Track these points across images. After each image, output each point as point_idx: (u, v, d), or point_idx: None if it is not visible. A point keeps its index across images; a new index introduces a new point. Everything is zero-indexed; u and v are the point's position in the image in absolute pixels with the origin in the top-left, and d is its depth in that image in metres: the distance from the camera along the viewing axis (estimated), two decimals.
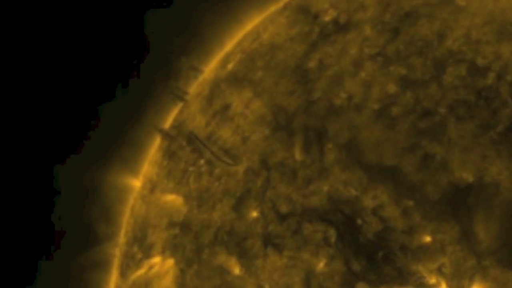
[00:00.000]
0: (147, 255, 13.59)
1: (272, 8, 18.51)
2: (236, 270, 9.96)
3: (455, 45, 10.58)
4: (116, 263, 17.21)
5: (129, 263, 15.23)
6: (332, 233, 9.05)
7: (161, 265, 12.46)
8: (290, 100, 11.88)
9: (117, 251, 17.64)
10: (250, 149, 11.59)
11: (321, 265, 8.97)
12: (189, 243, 11.60)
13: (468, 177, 8.49)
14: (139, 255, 14.42)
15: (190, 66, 19.65)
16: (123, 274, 15.71)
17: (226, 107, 14.15)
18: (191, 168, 13.38)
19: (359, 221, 8.88)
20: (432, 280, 8.10)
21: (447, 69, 10.11)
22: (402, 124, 9.56)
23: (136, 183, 19.03)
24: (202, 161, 13.06)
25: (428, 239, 8.30)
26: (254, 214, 10.39)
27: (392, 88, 10.33)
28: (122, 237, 17.68)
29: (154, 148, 19.54)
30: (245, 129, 12.29)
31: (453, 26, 10.95)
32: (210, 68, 19.30)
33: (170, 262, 12.00)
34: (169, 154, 16.33)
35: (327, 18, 14.10)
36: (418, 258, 8.26)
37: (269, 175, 10.65)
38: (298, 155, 10.41)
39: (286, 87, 12.38)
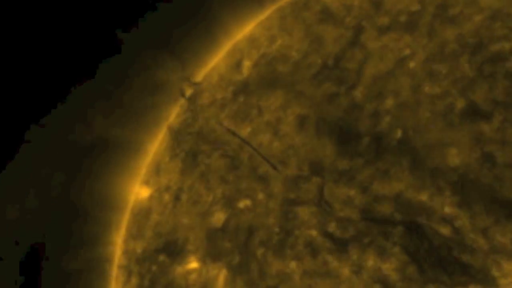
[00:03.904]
0: (182, 262, 13.24)
1: (271, 9, 18.35)
2: (296, 276, 9.71)
3: (497, 46, 10.62)
4: (128, 273, 16.80)
5: (155, 271, 14.85)
6: (399, 237, 8.90)
7: (202, 271, 12.14)
8: (332, 103, 11.71)
9: (127, 260, 17.25)
10: (296, 153, 11.36)
11: (389, 270, 8.81)
12: (236, 247, 11.29)
13: None
14: (168, 262, 14.08)
15: (187, 79, 19.37)
16: (143, 283, 15.34)
17: (258, 111, 13.86)
18: (226, 174, 13.09)
19: (427, 225, 8.76)
20: (509, 281, 8.02)
21: (494, 68, 10.12)
22: (459, 124, 9.49)
23: (138, 189, 18.72)
24: (238, 165, 12.79)
25: (501, 240, 8.23)
26: (311, 219, 10.16)
27: (440, 87, 10.28)
28: (134, 246, 17.27)
29: (157, 154, 19.21)
30: (286, 134, 12.04)
31: (494, 26, 10.99)
32: (219, 72, 19.01)
33: (214, 268, 11.68)
34: (190, 160, 15.99)
35: (350, 19, 14.01)
36: (492, 259, 8.18)
37: (322, 179, 10.45)
38: (352, 158, 10.24)
39: (325, 90, 12.23)
